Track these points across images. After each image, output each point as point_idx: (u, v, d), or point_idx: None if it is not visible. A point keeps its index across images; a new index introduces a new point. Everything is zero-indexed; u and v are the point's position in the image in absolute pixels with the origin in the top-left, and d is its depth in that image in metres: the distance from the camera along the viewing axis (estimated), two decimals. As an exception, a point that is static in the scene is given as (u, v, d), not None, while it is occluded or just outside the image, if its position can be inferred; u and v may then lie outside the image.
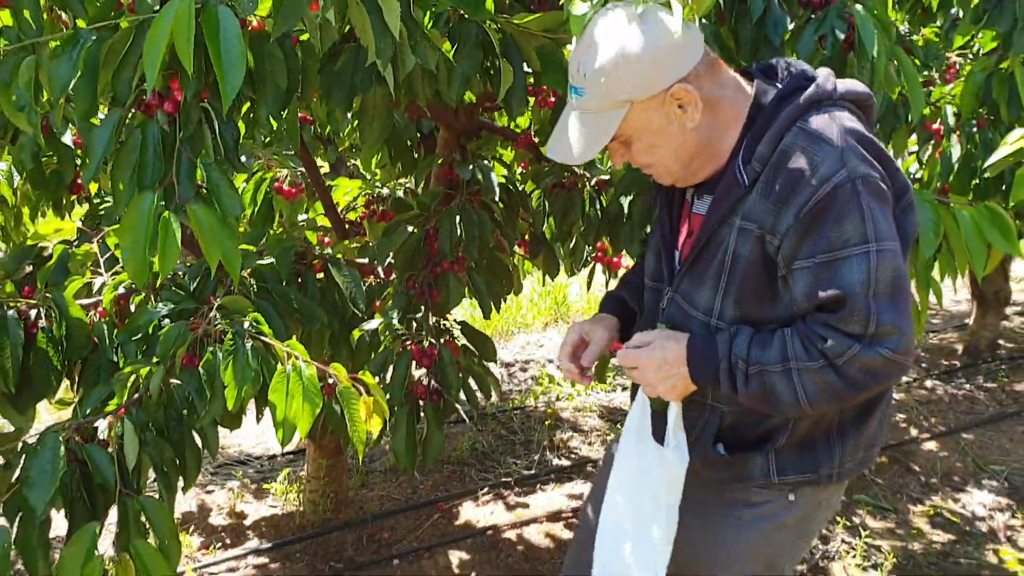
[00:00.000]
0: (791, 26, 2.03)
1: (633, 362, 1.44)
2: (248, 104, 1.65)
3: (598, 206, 2.47)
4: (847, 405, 1.41)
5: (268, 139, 3.14)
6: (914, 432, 4.01)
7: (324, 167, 3.40)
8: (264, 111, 1.55)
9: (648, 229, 2.34)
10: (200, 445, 1.78)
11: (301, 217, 2.76)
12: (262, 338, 1.67)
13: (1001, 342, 5.29)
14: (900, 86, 2.04)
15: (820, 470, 1.49)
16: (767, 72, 1.46)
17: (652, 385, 1.44)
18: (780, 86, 1.40)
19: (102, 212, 2.46)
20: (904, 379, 4.63)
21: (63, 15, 1.82)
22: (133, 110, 1.48)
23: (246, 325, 1.70)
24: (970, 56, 3.47)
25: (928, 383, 4.71)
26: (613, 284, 4.93)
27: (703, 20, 2.12)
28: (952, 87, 3.02)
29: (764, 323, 1.39)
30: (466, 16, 1.66)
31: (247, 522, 3.18)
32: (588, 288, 3.38)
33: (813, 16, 1.95)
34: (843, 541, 3.08)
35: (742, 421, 1.49)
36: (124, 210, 1.41)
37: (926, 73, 3.94)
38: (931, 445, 3.89)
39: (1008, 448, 3.86)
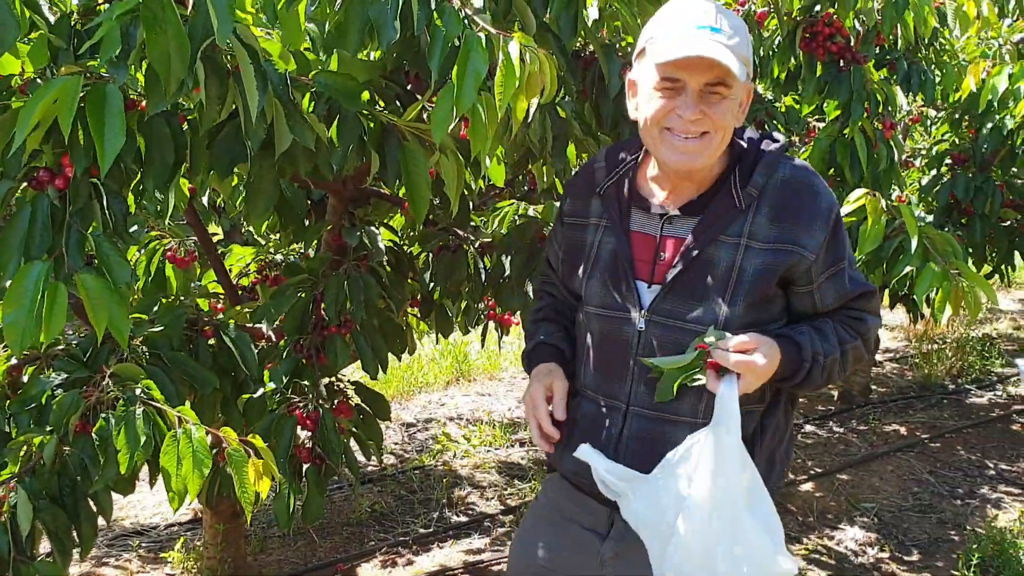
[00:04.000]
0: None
1: (752, 368, 1.49)
2: (138, 177, 1.73)
3: (482, 266, 2.60)
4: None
5: (160, 209, 3.18)
6: (791, 475, 4.23)
7: (218, 234, 3.45)
8: (151, 183, 1.64)
9: (527, 286, 2.48)
10: (95, 511, 1.82)
11: (194, 284, 2.81)
12: (153, 403, 1.73)
13: (873, 387, 5.62)
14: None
15: (781, 485, 1.71)
16: None
17: (752, 386, 1.53)
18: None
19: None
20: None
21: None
22: (24, 184, 1.55)
23: (138, 391, 1.75)
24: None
25: (807, 427, 4.97)
26: (508, 340, 5.00)
27: (566, 97, 2.32)
28: (804, 150, 3.29)
29: (766, 322, 1.57)
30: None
31: (143, 593, 3.15)
32: (482, 344, 3.51)
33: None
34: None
35: None
36: (9, 281, 1.48)
37: (792, 137, 4.26)
38: (808, 486, 4.12)
39: (878, 486, 4.12)
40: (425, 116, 1.82)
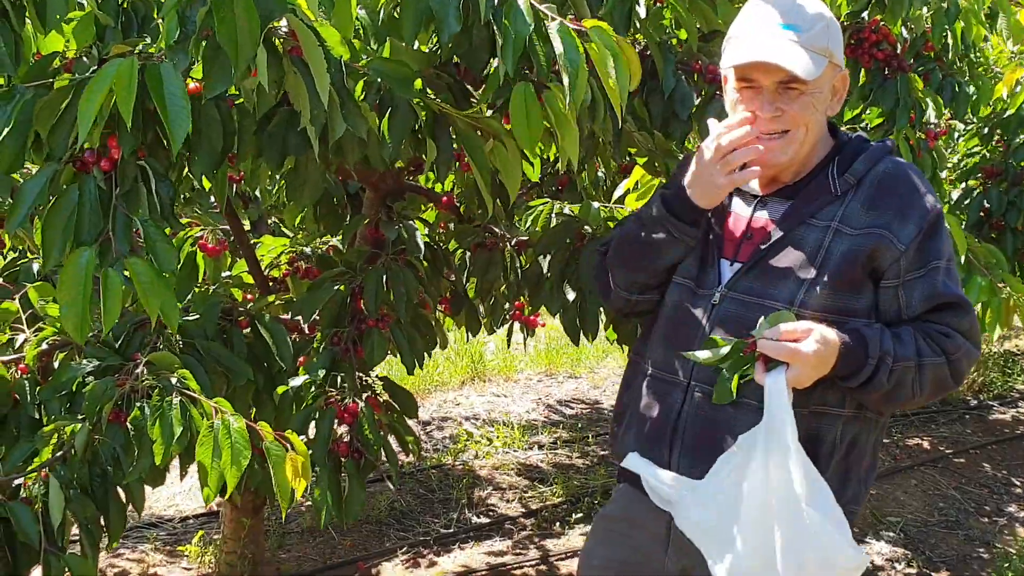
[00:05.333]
0: (697, 101, 2.18)
1: (799, 358, 1.44)
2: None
3: (518, 265, 2.56)
4: (932, 400, 1.63)
5: (189, 196, 3.14)
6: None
7: (245, 224, 3.41)
8: (199, 169, 1.60)
9: (566, 288, 2.43)
10: (125, 502, 1.78)
11: (224, 274, 2.77)
12: (189, 393, 1.69)
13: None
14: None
15: (856, 508, 1.60)
16: None
17: (803, 378, 1.46)
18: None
19: (18, 268, 2.44)
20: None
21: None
22: (68, 165, 1.51)
23: (174, 381, 1.71)
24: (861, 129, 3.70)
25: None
26: (531, 342, 4.97)
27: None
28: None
29: (848, 312, 1.51)
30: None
31: (160, 586, 3.11)
32: (508, 345, 3.46)
33: (719, 93, 2.09)
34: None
35: (799, 431, 1.51)
36: (59, 267, 1.43)
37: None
38: (833, 498, 4.05)
39: (903, 500, 4.05)
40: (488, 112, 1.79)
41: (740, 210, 1.66)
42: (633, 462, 1.66)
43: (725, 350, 1.49)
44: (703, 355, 1.52)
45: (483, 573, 3.26)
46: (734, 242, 1.63)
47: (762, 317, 1.50)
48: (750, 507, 1.48)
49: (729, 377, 1.51)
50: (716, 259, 1.62)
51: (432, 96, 1.82)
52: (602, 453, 4.50)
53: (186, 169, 1.72)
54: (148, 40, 1.54)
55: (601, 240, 1.90)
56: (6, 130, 1.45)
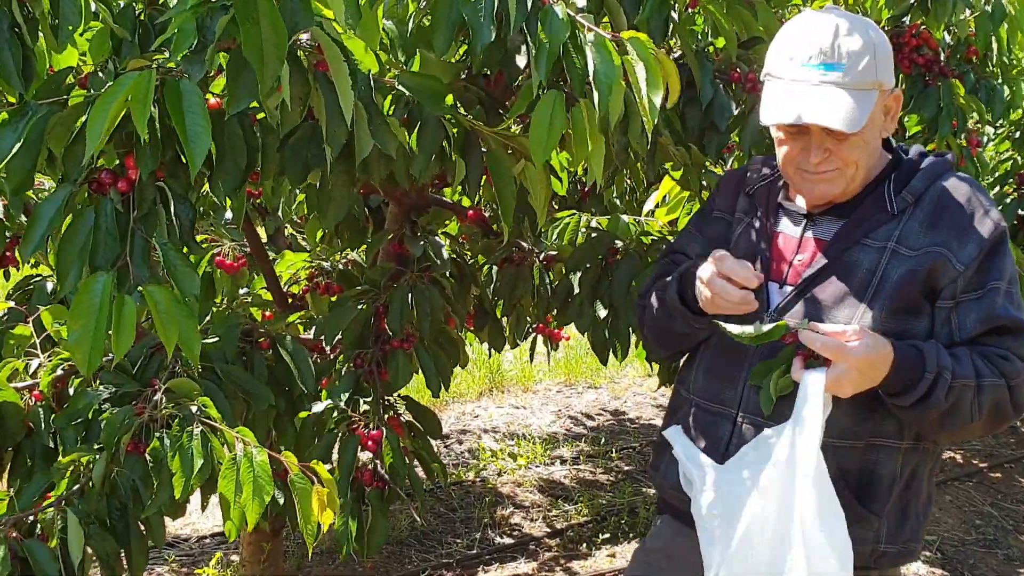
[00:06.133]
0: (736, 111, 2.09)
1: (843, 355, 1.35)
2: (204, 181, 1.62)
3: (547, 281, 2.48)
4: (989, 432, 1.50)
5: (204, 210, 3.08)
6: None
7: (262, 238, 3.34)
8: (222, 188, 1.52)
9: (597, 306, 2.35)
10: (144, 534, 1.70)
11: (242, 291, 2.70)
12: (210, 423, 1.61)
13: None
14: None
15: (915, 545, 1.53)
16: None
17: (845, 381, 1.37)
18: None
19: (32, 286, 2.37)
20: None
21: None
22: (83, 186, 1.44)
23: (194, 410, 1.64)
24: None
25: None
26: (556, 355, 4.86)
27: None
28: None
29: (908, 336, 1.42)
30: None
31: (177, 609, 3.04)
32: (531, 360, 3.37)
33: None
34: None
35: (855, 465, 1.47)
36: (73, 292, 1.36)
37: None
38: (866, 514, 3.94)
39: (939, 517, 3.94)
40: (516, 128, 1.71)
41: (789, 230, 1.57)
42: (672, 433, 1.62)
43: (766, 327, 1.39)
44: (737, 329, 1.42)
45: (509, 597, 3.17)
46: (783, 264, 1.55)
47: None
48: (761, 508, 1.42)
49: (771, 386, 1.44)
50: (764, 283, 1.53)
51: (462, 111, 1.74)
52: (626, 468, 4.40)
53: (206, 186, 1.65)
54: (167, 54, 1.47)
55: (640, 289, 1.83)
56: (17, 147, 1.37)
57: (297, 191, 2.73)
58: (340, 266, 2.69)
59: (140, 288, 1.36)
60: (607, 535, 3.65)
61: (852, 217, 1.49)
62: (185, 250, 1.48)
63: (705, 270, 1.49)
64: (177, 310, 1.37)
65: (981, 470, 4.50)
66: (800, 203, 1.57)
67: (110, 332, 1.31)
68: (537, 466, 4.39)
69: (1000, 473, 4.49)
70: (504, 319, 2.68)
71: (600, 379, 6.09)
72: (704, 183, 2.30)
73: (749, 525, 1.41)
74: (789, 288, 1.51)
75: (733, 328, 1.43)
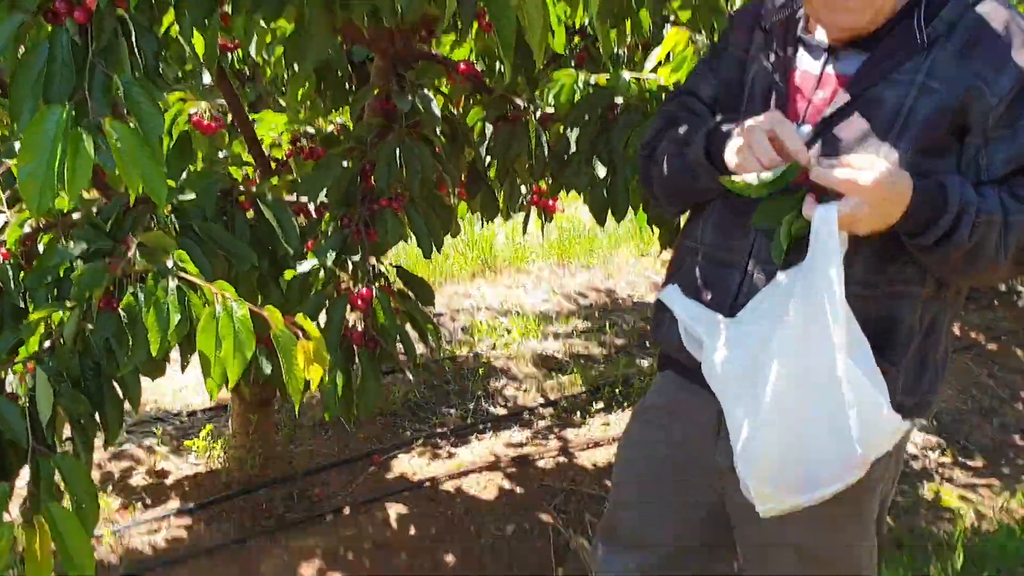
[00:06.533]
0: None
1: (854, 186, 1.26)
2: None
3: (544, 140, 2.35)
4: (1014, 274, 1.43)
5: (181, 73, 2.92)
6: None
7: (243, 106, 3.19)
8: (187, 19, 1.39)
9: (595, 164, 2.24)
10: (121, 396, 1.63)
11: (221, 153, 2.57)
12: (187, 277, 1.52)
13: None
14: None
15: (932, 398, 1.47)
16: None
17: (859, 216, 1.27)
18: None
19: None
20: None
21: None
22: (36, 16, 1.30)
23: (169, 264, 1.54)
24: None
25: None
26: (549, 229, 4.73)
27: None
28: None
29: (932, 175, 1.32)
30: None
31: (168, 481, 3.01)
32: (524, 232, 3.27)
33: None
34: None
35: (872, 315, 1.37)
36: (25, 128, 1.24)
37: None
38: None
39: (935, 387, 3.93)
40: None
41: (807, 65, 1.44)
42: (669, 293, 1.53)
43: (779, 170, 1.29)
44: (750, 178, 1.32)
45: (503, 464, 3.15)
46: (802, 102, 1.43)
47: None
48: (784, 353, 1.32)
49: (779, 231, 1.34)
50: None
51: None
52: (620, 343, 4.37)
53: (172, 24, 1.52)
54: None
55: (643, 141, 1.69)
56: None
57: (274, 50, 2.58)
58: (325, 130, 2.56)
59: (99, 123, 1.24)
60: (601, 405, 3.64)
61: (877, 50, 1.36)
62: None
63: (756, 121, 1.36)
64: (140, 150, 1.25)
65: (979, 343, 4.48)
66: (821, 35, 1.43)
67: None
68: (531, 340, 4.35)
69: (997, 345, 4.47)
70: (501, 186, 2.57)
71: (593, 260, 6.01)
72: (715, 25, 2.15)
73: (778, 373, 1.32)
74: (808, 128, 1.40)
75: (747, 177, 1.32)
